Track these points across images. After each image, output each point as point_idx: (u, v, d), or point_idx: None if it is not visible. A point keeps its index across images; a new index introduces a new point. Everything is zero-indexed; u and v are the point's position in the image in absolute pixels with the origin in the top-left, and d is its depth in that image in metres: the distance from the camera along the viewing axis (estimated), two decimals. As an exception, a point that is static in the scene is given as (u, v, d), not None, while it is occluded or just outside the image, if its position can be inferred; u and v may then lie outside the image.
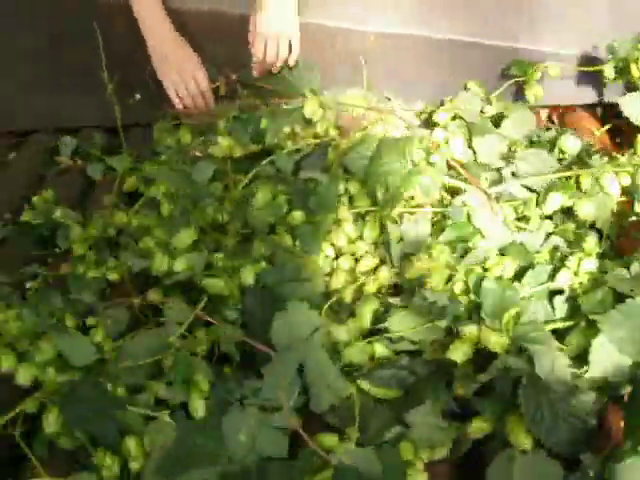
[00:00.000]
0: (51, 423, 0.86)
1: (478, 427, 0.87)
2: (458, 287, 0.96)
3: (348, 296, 1.03)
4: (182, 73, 1.39)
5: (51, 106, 1.57)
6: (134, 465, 0.84)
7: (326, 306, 0.99)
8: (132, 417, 0.88)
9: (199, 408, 0.91)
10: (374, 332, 0.98)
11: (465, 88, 1.42)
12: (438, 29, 1.47)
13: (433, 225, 1.09)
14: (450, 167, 1.16)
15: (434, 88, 1.46)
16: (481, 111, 1.34)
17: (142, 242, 1.13)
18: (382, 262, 1.04)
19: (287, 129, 1.20)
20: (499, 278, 0.95)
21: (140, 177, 1.29)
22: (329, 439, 0.86)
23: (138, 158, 1.36)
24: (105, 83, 1.27)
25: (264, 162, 1.16)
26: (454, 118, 1.30)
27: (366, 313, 0.99)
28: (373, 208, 1.08)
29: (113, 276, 1.10)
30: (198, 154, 1.19)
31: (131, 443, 0.85)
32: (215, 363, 0.98)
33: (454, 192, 1.12)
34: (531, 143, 1.28)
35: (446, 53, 1.48)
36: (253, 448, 0.86)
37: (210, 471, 0.84)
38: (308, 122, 1.23)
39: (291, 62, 1.37)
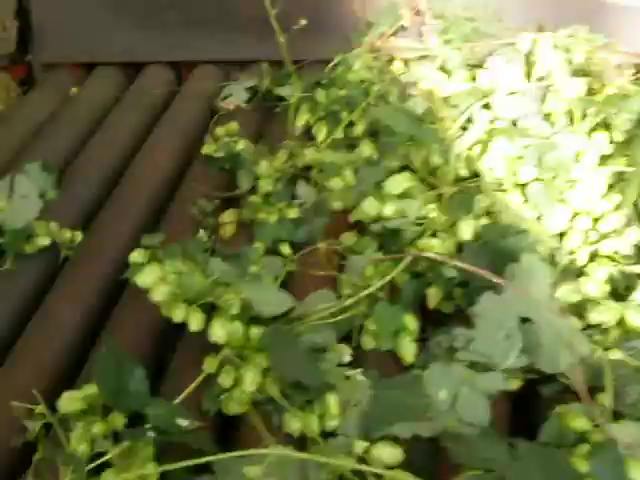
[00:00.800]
0: (249, 381, 0.80)
1: None
2: None
3: (580, 260, 0.94)
4: None
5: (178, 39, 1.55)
6: (330, 423, 0.78)
7: (559, 266, 0.92)
8: (329, 374, 0.82)
9: (409, 352, 0.86)
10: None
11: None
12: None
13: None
14: None
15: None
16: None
17: (334, 181, 1.06)
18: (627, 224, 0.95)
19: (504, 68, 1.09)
20: None
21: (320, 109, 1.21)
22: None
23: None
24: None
25: (479, 104, 1.06)
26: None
27: (598, 276, 0.91)
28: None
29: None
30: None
31: (331, 399, 0.79)
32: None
33: None
34: None
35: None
36: (453, 408, 0.78)
37: (413, 426, 0.76)
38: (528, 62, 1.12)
39: None
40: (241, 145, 1.18)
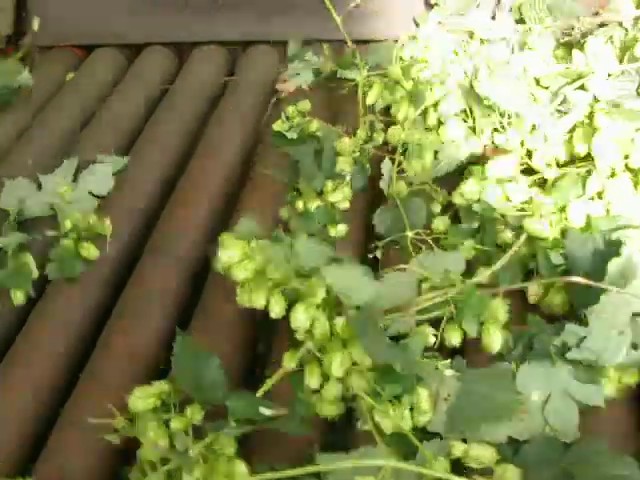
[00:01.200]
0: (337, 365, 0.75)
1: None
2: None
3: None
4: None
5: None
6: (422, 419, 0.74)
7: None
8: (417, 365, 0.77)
9: (494, 342, 0.80)
10: None
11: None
12: None
13: None
14: None
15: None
16: None
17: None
18: None
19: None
20: None
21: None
22: None
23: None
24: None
25: (574, 87, 1.02)
26: None
27: None
28: None
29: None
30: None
31: (423, 393, 0.74)
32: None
33: None
34: None
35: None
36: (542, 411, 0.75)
37: (507, 428, 0.73)
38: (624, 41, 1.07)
39: None
40: (315, 125, 1.13)
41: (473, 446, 0.70)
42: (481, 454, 0.70)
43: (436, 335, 0.81)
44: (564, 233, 0.91)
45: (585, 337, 0.77)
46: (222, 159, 1.17)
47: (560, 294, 0.87)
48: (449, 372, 0.76)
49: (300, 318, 0.77)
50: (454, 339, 0.82)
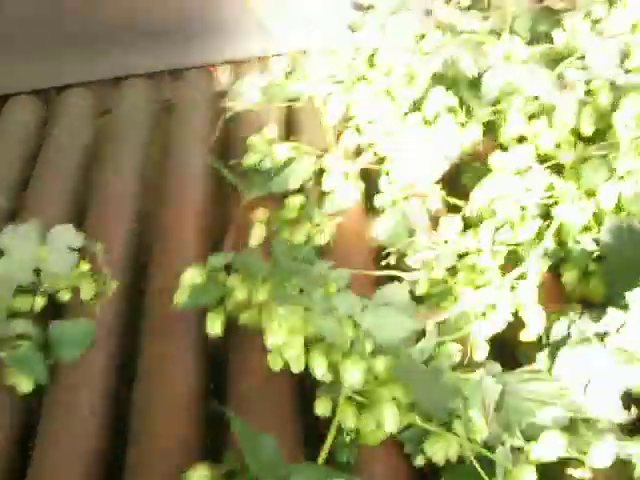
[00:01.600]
0: (391, 424, 0.69)
1: None
2: None
3: None
4: None
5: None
6: (479, 437, 0.69)
7: None
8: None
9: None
10: None
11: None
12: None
13: None
14: None
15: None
16: None
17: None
18: None
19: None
20: None
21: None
22: None
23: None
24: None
25: (564, 66, 0.96)
26: None
27: None
28: None
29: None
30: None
31: (475, 416, 0.69)
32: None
33: None
34: None
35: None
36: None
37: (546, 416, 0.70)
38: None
39: None
40: (284, 150, 1.01)
41: (543, 437, 0.67)
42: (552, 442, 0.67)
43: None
44: (595, 217, 0.86)
45: (625, 323, 0.73)
46: (118, 207, 1.05)
47: (596, 280, 0.83)
48: (489, 380, 0.71)
49: (352, 375, 0.71)
50: (480, 353, 0.78)
